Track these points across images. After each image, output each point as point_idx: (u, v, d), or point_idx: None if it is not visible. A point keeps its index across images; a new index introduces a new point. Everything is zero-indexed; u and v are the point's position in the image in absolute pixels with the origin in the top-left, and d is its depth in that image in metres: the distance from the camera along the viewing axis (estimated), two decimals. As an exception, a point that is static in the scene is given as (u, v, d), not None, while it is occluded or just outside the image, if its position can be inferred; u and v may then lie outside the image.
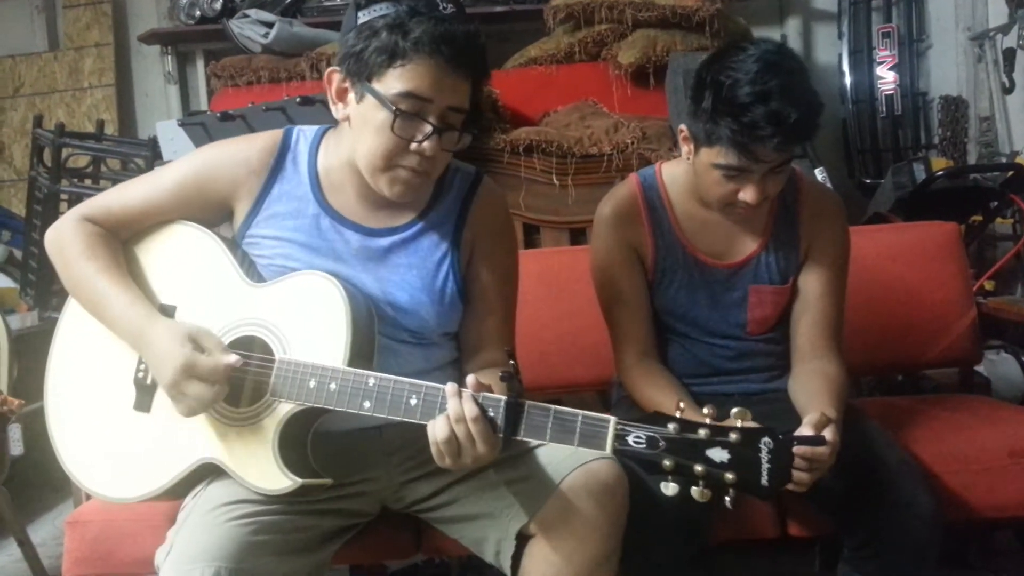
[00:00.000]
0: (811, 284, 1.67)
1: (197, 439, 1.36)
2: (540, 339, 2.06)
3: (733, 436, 1.13)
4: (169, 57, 4.27)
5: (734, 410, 1.15)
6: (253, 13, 3.62)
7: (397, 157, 1.35)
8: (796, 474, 1.38)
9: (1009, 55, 3.44)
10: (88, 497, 1.68)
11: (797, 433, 1.39)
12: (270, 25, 3.52)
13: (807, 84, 1.49)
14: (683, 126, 1.58)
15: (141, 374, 1.41)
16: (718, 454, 1.13)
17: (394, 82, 1.31)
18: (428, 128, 1.32)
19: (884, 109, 3.95)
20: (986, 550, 2.20)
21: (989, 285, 3.11)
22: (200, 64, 4.22)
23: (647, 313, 1.68)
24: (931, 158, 3.52)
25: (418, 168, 1.35)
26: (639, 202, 1.68)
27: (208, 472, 1.38)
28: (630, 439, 1.16)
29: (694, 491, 1.13)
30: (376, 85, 1.33)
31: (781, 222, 1.68)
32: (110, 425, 1.42)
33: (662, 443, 1.14)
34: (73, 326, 1.50)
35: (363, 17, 1.34)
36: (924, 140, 4.01)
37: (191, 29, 3.97)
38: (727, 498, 1.14)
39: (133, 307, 1.38)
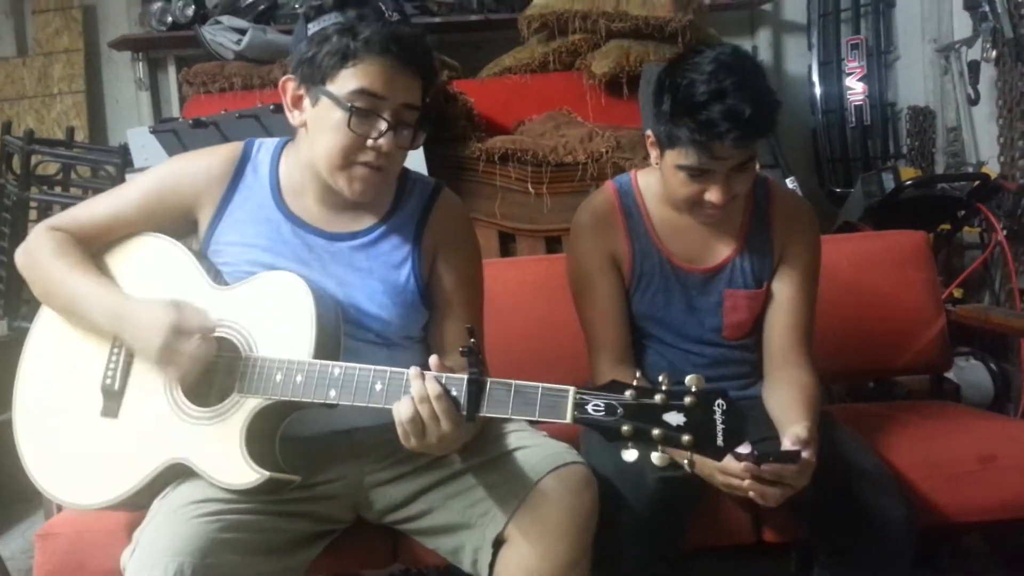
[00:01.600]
0: (783, 290, 1.69)
1: (165, 440, 1.37)
2: (515, 346, 2.06)
3: (688, 399, 1.16)
4: (140, 63, 4.22)
5: (688, 376, 1.17)
6: (226, 20, 3.59)
7: (355, 154, 1.39)
8: (769, 490, 1.39)
9: (974, 67, 3.50)
10: (59, 509, 1.66)
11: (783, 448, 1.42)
12: (243, 32, 3.49)
13: (762, 82, 1.52)
14: (648, 131, 1.61)
15: (108, 380, 1.42)
16: (674, 417, 1.16)
17: (347, 81, 1.37)
18: (383, 124, 1.37)
19: (853, 119, 4.00)
20: (956, 553, 2.23)
21: (958, 293, 3.16)
22: (172, 71, 4.17)
23: (623, 320, 1.69)
24: (900, 168, 3.57)
25: (375, 163, 1.39)
26: (616, 208, 1.70)
27: (177, 475, 1.38)
28: (589, 407, 1.19)
29: (654, 456, 1.15)
30: (330, 87, 1.38)
31: (755, 227, 1.70)
32: (77, 432, 1.42)
33: (620, 410, 1.17)
34: (42, 339, 1.51)
35: (313, 28, 1.41)
36: (893, 150, 4.06)
37: (163, 35, 3.93)
38: (685, 461, 1.16)
39: (111, 293, 1.41)
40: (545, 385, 1.21)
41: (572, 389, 1.20)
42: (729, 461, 1.39)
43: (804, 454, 1.39)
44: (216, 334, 1.39)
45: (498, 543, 1.35)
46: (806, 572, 1.68)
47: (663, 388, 1.17)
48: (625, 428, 1.16)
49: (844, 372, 2.26)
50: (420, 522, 1.46)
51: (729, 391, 1.66)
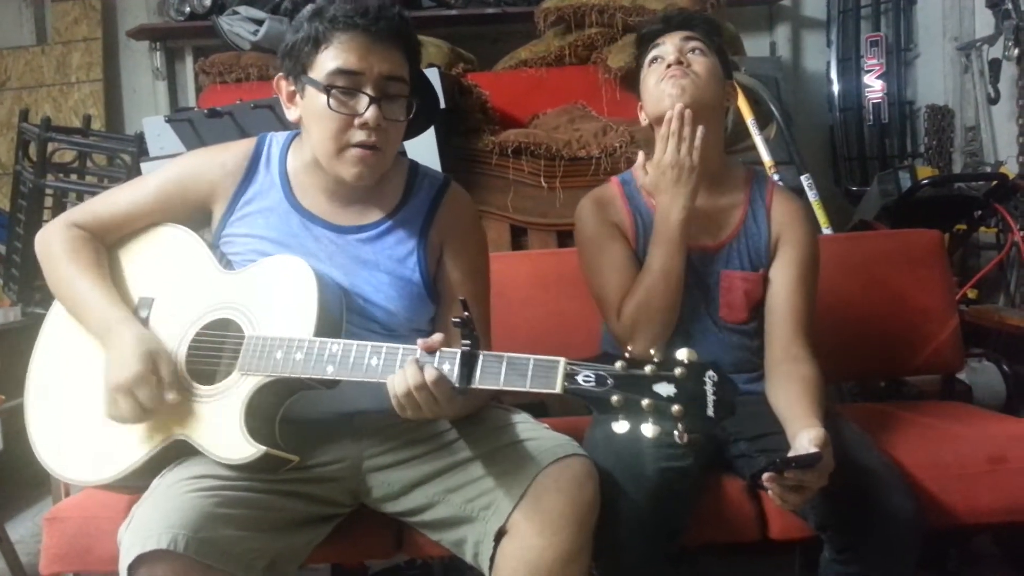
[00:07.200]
0: (781, 280, 1.71)
1: (169, 420, 1.38)
2: (527, 339, 2.05)
3: (678, 371, 1.15)
4: (158, 53, 4.25)
5: (680, 349, 1.17)
6: (243, 10, 3.60)
7: (345, 135, 1.40)
8: (790, 496, 1.39)
9: (995, 65, 3.47)
10: (67, 493, 1.67)
11: (792, 453, 1.42)
12: (259, 22, 3.51)
13: None
14: None
15: None
16: (664, 388, 1.15)
17: (324, 64, 1.39)
18: (364, 99, 1.38)
19: (871, 117, 3.98)
20: (965, 555, 2.21)
21: (972, 294, 3.14)
22: (189, 60, 4.20)
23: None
24: (917, 167, 3.54)
25: (367, 141, 1.40)
26: (618, 193, 1.77)
27: (178, 454, 1.39)
28: (579, 378, 1.18)
29: (644, 428, 1.14)
30: (311, 74, 1.41)
31: (751, 214, 1.75)
32: (85, 413, 1.44)
33: (610, 380, 1.16)
34: (55, 324, 1.55)
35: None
36: (910, 148, 4.04)
37: (180, 25, 3.96)
38: (675, 432, 1.15)
39: (109, 308, 1.43)
40: (536, 356, 1.22)
41: (562, 360, 1.20)
42: None
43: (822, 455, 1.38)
44: (221, 315, 1.42)
45: (499, 535, 1.35)
46: (811, 570, 1.67)
47: (654, 360, 1.16)
48: (615, 398, 1.15)
49: (855, 371, 2.24)
50: (423, 516, 1.46)
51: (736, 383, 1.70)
